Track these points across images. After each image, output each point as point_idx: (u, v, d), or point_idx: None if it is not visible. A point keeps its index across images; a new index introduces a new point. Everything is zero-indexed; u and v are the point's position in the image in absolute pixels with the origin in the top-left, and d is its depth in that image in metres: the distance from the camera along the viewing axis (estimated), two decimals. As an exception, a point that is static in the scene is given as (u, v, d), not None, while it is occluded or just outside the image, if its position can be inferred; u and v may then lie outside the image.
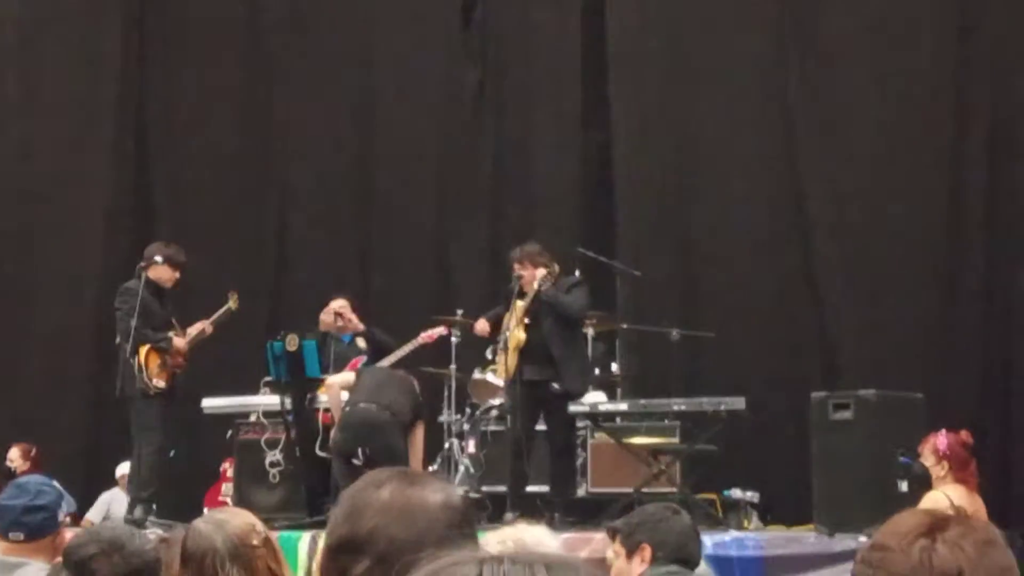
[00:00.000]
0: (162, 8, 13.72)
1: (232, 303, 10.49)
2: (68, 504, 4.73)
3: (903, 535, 2.08)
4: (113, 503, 11.34)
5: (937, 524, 2.10)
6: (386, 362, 10.42)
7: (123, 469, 11.33)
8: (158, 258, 10.10)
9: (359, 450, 9.30)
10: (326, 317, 10.59)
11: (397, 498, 2.26)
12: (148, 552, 3.91)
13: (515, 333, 9.69)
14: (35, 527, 4.54)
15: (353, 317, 10.64)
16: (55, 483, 4.80)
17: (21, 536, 4.53)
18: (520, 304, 9.74)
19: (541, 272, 9.65)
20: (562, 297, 9.69)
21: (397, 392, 9.68)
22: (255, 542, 3.78)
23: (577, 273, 10.20)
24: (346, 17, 13.29)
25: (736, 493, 10.12)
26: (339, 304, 10.64)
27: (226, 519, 3.87)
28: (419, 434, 9.75)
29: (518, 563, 1.22)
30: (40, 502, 4.60)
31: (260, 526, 3.87)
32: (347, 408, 9.71)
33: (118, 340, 10.08)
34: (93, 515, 11.21)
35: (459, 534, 2.19)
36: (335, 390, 9.94)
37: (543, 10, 12.66)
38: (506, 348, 9.68)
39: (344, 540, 2.23)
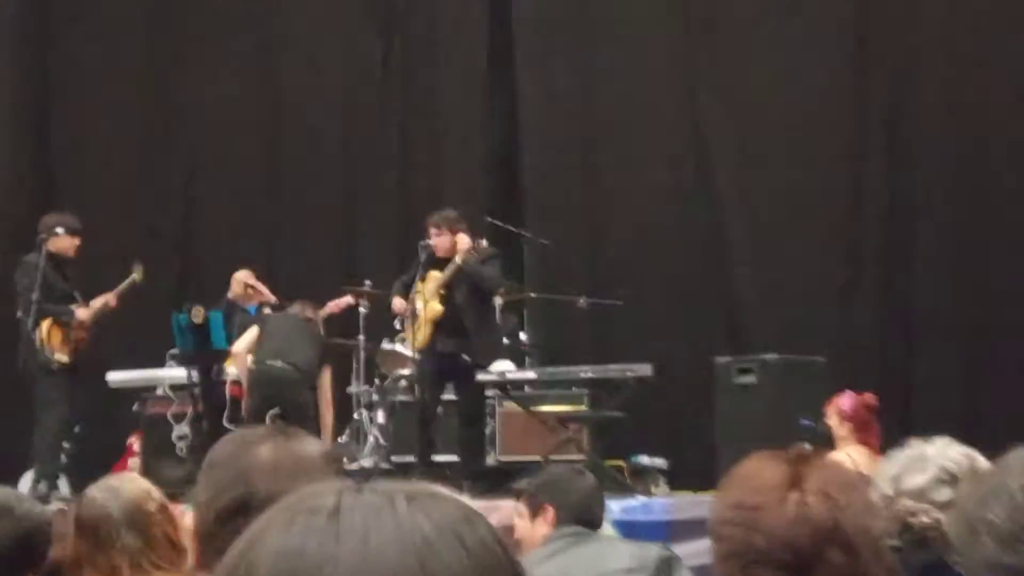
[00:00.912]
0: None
1: (137, 275, 10.38)
2: None
3: (772, 490, 2.08)
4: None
5: (796, 472, 2.10)
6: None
7: None
8: (59, 229, 9.96)
9: (270, 411, 9.28)
10: (237, 288, 10.51)
11: (284, 455, 2.27)
12: (38, 514, 3.85)
13: (431, 304, 9.63)
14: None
15: (263, 288, 10.58)
16: None
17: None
18: (435, 274, 9.67)
19: (464, 240, 9.60)
20: (483, 269, 9.65)
21: (302, 342, 9.64)
22: (151, 508, 3.74)
23: (484, 243, 10.18)
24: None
25: (644, 459, 10.19)
26: (244, 274, 10.57)
27: (120, 486, 3.83)
28: (326, 379, 9.81)
29: (378, 492, 1.21)
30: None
31: (156, 492, 3.83)
32: (254, 367, 9.64)
33: (19, 314, 9.94)
34: None
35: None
36: (242, 358, 9.87)
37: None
38: (416, 318, 9.61)
39: (239, 502, 2.22)
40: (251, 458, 2.29)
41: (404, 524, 1.19)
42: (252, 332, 9.91)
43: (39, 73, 13.31)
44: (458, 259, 9.52)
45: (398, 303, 9.89)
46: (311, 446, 2.34)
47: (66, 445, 10.15)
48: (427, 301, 9.61)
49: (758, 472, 2.12)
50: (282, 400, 9.36)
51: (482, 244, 9.70)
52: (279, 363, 9.48)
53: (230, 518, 2.23)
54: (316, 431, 9.28)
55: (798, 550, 2.05)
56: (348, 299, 10.71)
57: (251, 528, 1.22)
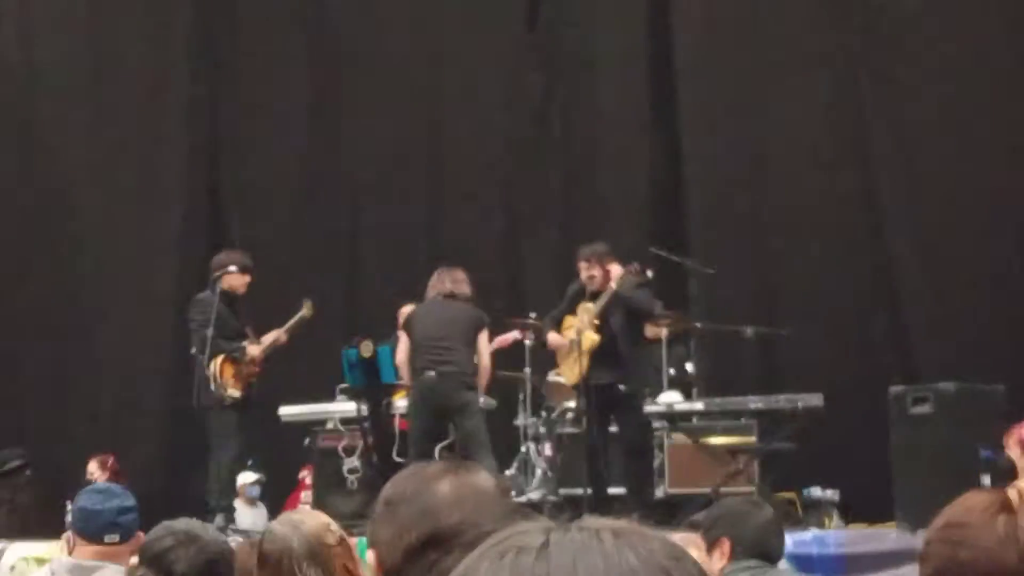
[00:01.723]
0: (230, 12, 13.81)
1: (307, 311, 10.54)
2: None
3: (981, 511, 2.04)
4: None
5: (1007, 501, 2.06)
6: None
7: (243, 479, 11.42)
8: (232, 267, 10.18)
9: (438, 444, 9.45)
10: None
11: (465, 489, 2.30)
12: (222, 543, 3.98)
13: (588, 335, 9.62)
14: (127, 527, 4.59)
15: None
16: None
17: (117, 537, 4.57)
18: (588, 306, 9.68)
19: (617, 270, 9.60)
20: (637, 294, 9.64)
21: (450, 333, 9.50)
22: (331, 541, 3.80)
23: (649, 273, 10.13)
24: (414, 21, 13.34)
25: (816, 491, 10.04)
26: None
27: (301, 519, 3.91)
28: (483, 341, 9.67)
29: (585, 530, 1.22)
30: (129, 503, 4.66)
31: (335, 526, 3.90)
32: (414, 381, 9.58)
33: (193, 351, 10.17)
34: None
35: (522, 513, 2.24)
36: (404, 370, 9.82)
37: (609, 8, 12.62)
38: (574, 351, 9.60)
39: (430, 537, 2.26)
40: (432, 494, 2.32)
41: (612, 559, 1.20)
42: (402, 341, 9.86)
43: (209, 114, 13.64)
44: (613, 285, 9.52)
45: (554, 338, 9.91)
46: (486, 479, 2.39)
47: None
48: (583, 332, 9.60)
49: (968, 499, 2.10)
50: (444, 412, 9.43)
51: (635, 267, 9.67)
52: (430, 373, 9.45)
53: (419, 554, 2.26)
54: (481, 429, 9.42)
55: (1005, 567, 2.00)
56: (515, 334, 10.75)
57: (462, 566, 1.23)
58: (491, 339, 10.51)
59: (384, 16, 13.42)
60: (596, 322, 9.64)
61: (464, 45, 13.12)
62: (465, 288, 9.66)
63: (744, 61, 12.05)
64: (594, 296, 9.70)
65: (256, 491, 11.70)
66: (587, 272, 9.70)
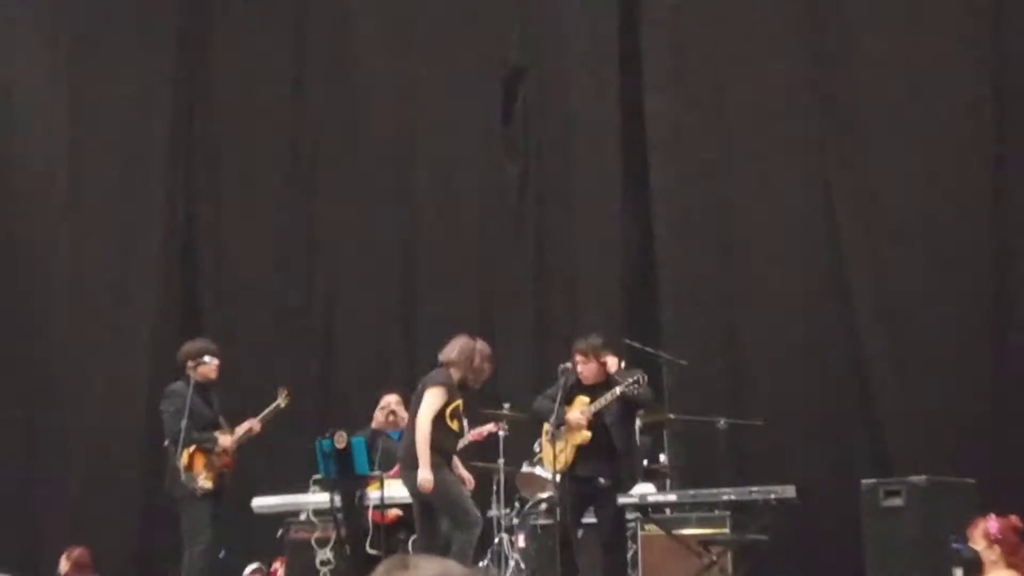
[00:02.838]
0: (208, 114, 13.95)
1: (282, 400, 10.55)
2: None
3: None
4: None
5: None
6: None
7: (248, 571, 11.37)
8: (206, 357, 10.20)
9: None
10: (379, 415, 10.64)
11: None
12: None
13: (580, 433, 9.60)
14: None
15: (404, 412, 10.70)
16: None
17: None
18: (583, 399, 9.67)
19: (614, 363, 9.62)
20: (642, 393, 9.64)
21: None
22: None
23: (623, 364, 10.15)
24: (388, 113, 13.46)
25: (789, 583, 10.04)
26: (395, 400, 10.71)
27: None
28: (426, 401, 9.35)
29: None
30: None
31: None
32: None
33: (166, 442, 10.15)
34: None
35: None
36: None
37: (583, 104, 12.75)
38: (558, 440, 9.55)
39: None
40: None
41: None
42: None
43: (185, 204, 13.70)
44: (619, 390, 9.51)
45: (574, 417, 9.60)
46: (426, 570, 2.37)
47: None
48: (575, 428, 9.58)
49: None
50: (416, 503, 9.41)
51: (640, 378, 9.67)
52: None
53: None
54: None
55: None
56: (491, 427, 10.76)
57: None
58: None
59: (358, 108, 13.53)
60: (591, 419, 9.63)
61: (438, 137, 13.22)
62: (445, 350, 9.57)
63: (716, 150, 12.15)
64: (587, 390, 9.69)
65: None
66: (583, 365, 9.68)
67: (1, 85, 14.26)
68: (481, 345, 9.65)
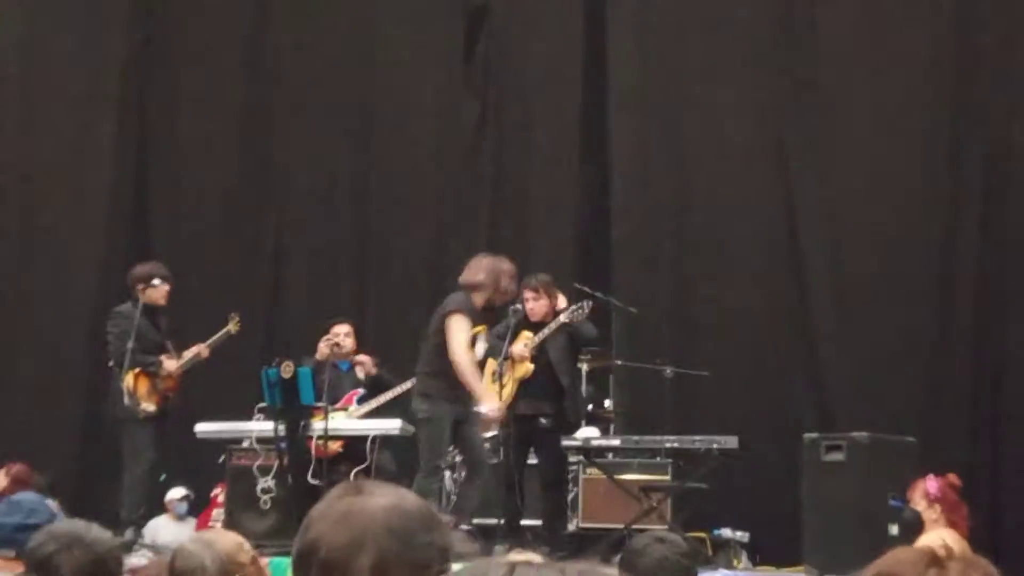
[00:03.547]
0: (165, 35, 13.79)
1: (232, 326, 10.51)
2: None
3: (912, 564, 2.09)
4: (160, 529, 11.16)
5: (936, 558, 2.11)
6: (383, 398, 10.44)
7: (172, 494, 11.34)
8: (156, 280, 10.14)
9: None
10: (323, 346, 10.60)
11: (337, 505, 2.25)
12: (108, 541, 3.92)
13: (524, 364, 9.58)
14: (25, 544, 4.54)
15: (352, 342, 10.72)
16: (50, 502, 4.82)
17: (12, 554, 4.53)
18: (526, 334, 9.65)
19: (563, 300, 9.62)
20: (586, 326, 9.64)
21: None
22: (243, 560, 3.81)
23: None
24: (348, 47, 13.37)
25: (726, 532, 10.13)
26: (345, 330, 10.68)
27: (214, 538, 3.91)
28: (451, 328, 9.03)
29: (550, 568, 1.25)
30: (32, 520, 4.60)
31: (247, 545, 3.91)
32: None
33: (111, 363, 10.09)
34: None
35: (409, 540, 2.16)
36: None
37: (545, 44, 12.70)
38: (500, 377, 9.54)
39: (297, 554, 2.24)
40: (315, 510, 2.28)
41: None
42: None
43: (137, 122, 13.57)
44: (564, 317, 9.49)
45: (518, 350, 9.54)
46: (380, 499, 2.28)
47: None
48: (518, 360, 9.56)
49: (902, 552, 2.14)
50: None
51: (586, 304, 9.66)
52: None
53: (296, 570, 2.24)
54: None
55: None
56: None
57: None
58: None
59: (318, 41, 13.42)
60: (533, 351, 9.62)
61: (399, 71, 13.15)
62: (468, 274, 9.27)
63: (675, 98, 12.16)
64: (534, 326, 9.68)
65: (184, 507, 11.65)
66: (534, 301, 9.64)
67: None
68: (508, 265, 9.34)
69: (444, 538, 2.22)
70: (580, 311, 9.51)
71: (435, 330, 9.15)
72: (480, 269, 9.26)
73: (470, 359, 8.94)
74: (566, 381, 9.68)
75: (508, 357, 9.49)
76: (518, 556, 1.45)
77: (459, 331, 8.94)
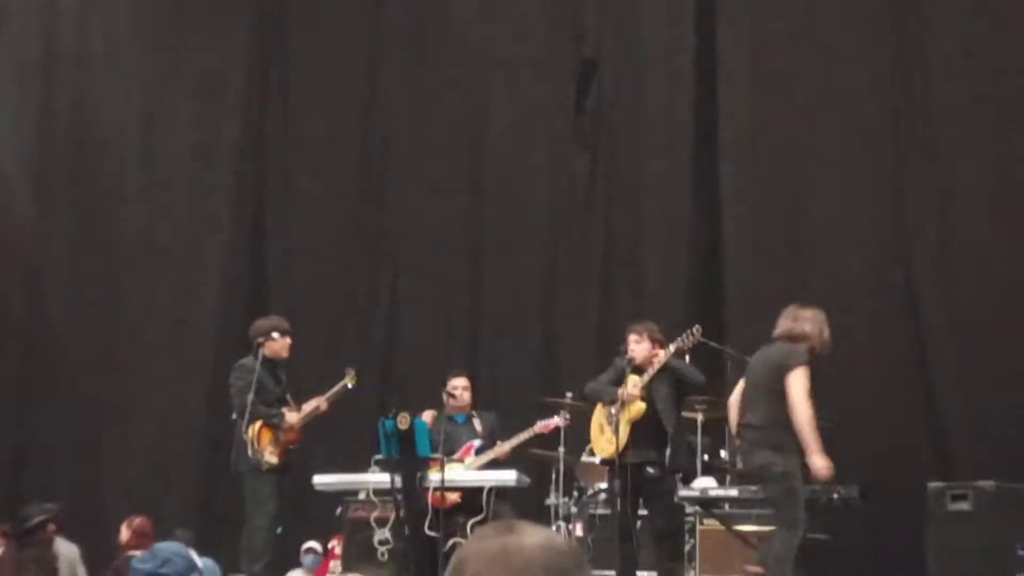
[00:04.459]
0: (282, 88, 14.01)
1: (349, 380, 10.59)
2: (210, 573, 4.81)
3: None
4: None
5: None
6: (501, 449, 10.47)
7: (305, 547, 11.45)
8: (275, 334, 10.26)
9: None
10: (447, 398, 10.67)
11: (492, 544, 2.29)
12: None
13: (635, 404, 9.54)
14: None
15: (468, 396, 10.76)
16: (191, 552, 4.87)
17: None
18: (636, 378, 9.63)
19: (666, 352, 9.60)
20: (686, 366, 9.62)
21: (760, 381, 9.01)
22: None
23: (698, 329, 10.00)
24: (460, 102, 13.49)
25: (848, 583, 9.99)
26: (463, 383, 10.73)
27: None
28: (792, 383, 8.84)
29: None
30: (165, 570, 4.66)
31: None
32: None
33: (234, 416, 10.22)
34: None
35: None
36: None
37: (655, 98, 12.73)
38: (617, 427, 9.52)
39: None
40: (468, 549, 2.32)
41: None
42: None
43: (255, 181, 13.79)
44: (673, 346, 9.47)
45: (630, 393, 9.51)
46: (532, 537, 2.31)
47: None
48: (628, 403, 9.53)
49: None
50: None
51: (695, 330, 9.60)
52: None
53: None
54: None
55: None
56: (557, 420, 10.70)
57: None
58: (534, 423, 10.49)
59: (430, 94, 13.57)
60: (643, 391, 9.59)
61: (510, 127, 13.24)
62: (792, 325, 9.04)
63: (786, 148, 12.12)
64: (639, 371, 9.66)
65: (311, 560, 11.74)
66: (636, 344, 9.64)
67: (81, 46, 14.37)
68: (823, 314, 9.23)
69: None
70: (689, 337, 9.48)
71: (771, 380, 8.97)
72: (804, 320, 9.10)
73: (810, 413, 8.82)
74: (671, 429, 9.63)
75: (620, 401, 9.49)
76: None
77: (802, 382, 8.85)
